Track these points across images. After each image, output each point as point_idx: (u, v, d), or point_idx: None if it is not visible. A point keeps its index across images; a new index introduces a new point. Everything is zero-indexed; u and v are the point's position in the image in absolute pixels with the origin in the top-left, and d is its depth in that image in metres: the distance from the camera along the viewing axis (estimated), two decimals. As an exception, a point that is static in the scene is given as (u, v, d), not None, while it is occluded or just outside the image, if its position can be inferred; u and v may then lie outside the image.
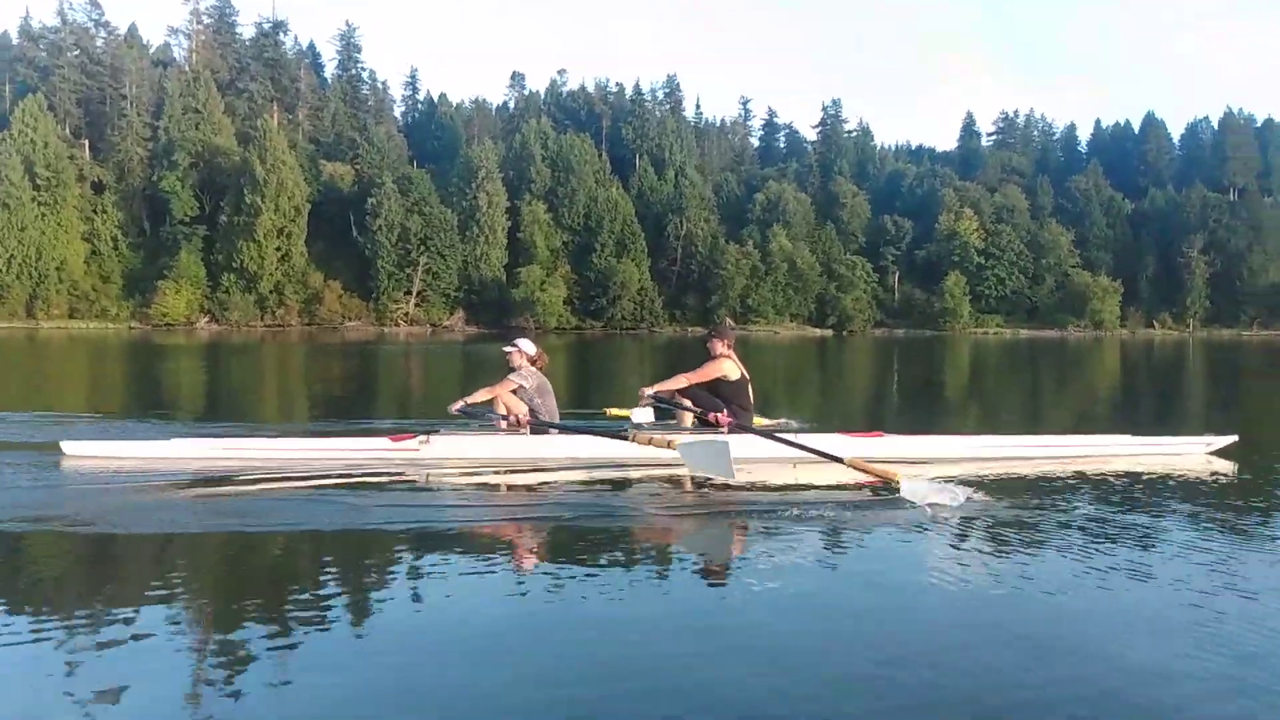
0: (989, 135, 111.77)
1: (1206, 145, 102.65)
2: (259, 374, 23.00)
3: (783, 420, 8.07)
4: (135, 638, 3.37)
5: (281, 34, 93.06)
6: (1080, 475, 6.75)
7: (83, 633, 3.44)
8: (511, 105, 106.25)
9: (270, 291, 76.31)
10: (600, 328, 79.03)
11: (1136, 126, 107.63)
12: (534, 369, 7.78)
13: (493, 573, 4.33)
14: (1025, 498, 5.95)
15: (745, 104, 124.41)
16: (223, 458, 7.06)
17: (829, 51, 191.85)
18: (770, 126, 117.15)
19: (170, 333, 62.08)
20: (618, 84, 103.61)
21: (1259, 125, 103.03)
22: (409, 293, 79.21)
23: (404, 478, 6.55)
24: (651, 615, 3.72)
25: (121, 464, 6.83)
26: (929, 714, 2.81)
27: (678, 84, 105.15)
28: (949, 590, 4.06)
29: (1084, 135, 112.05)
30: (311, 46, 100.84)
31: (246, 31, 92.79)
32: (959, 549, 4.83)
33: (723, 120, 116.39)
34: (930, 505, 5.46)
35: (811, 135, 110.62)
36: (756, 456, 6.86)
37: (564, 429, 7.42)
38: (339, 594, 4.00)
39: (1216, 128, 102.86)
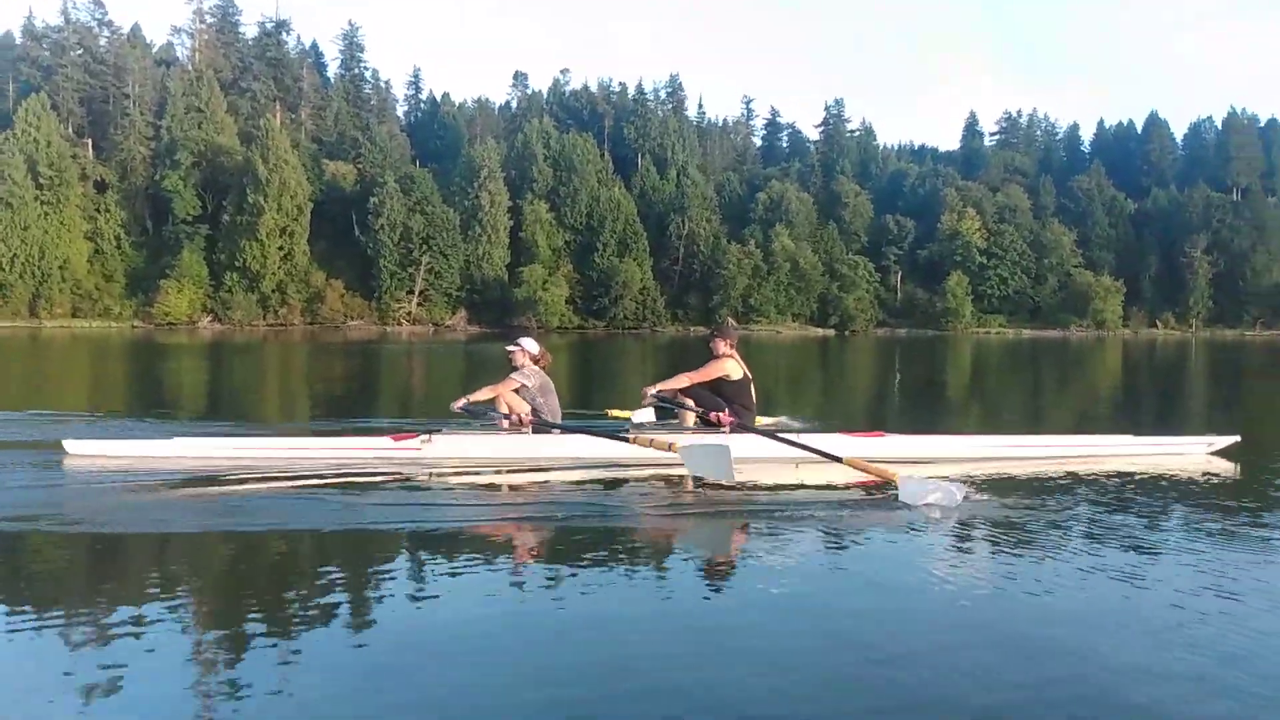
0: (991, 135, 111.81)
1: (1210, 145, 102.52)
2: (261, 373, 23.02)
3: (781, 419, 8.07)
4: (136, 636, 3.38)
5: (284, 33, 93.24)
6: (1081, 475, 6.74)
7: (84, 631, 3.45)
8: (514, 105, 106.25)
9: (273, 291, 76.35)
10: (602, 327, 79.01)
11: (1139, 126, 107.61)
12: (537, 368, 7.80)
13: (494, 572, 4.34)
14: (1026, 498, 5.94)
15: (748, 103, 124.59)
16: (225, 457, 7.07)
17: (831, 51, 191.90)
18: (773, 126, 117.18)
19: (173, 332, 62.14)
20: (620, 84, 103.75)
21: (1262, 125, 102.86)
22: (411, 292, 79.24)
23: (406, 477, 6.55)
24: (652, 615, 3.73)
25: (123, 463, 6.84)
26: (927, 714, 2.81)
27: (680, 84, 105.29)
28: (948, 590, 4.06)
29: (1087, 135, 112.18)
30: (314, 46, 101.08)
31: (249, 31, 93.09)
32: (958, 549, 4.83)
33: (725, 120, 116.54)
34: (928, 505, 5.46)
35: (814, 135, 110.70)
36: (757, 456, 6.87)
37: (565, 429, 7.43)
38: (340, 593, 4.01)
39: (1220, 127, 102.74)
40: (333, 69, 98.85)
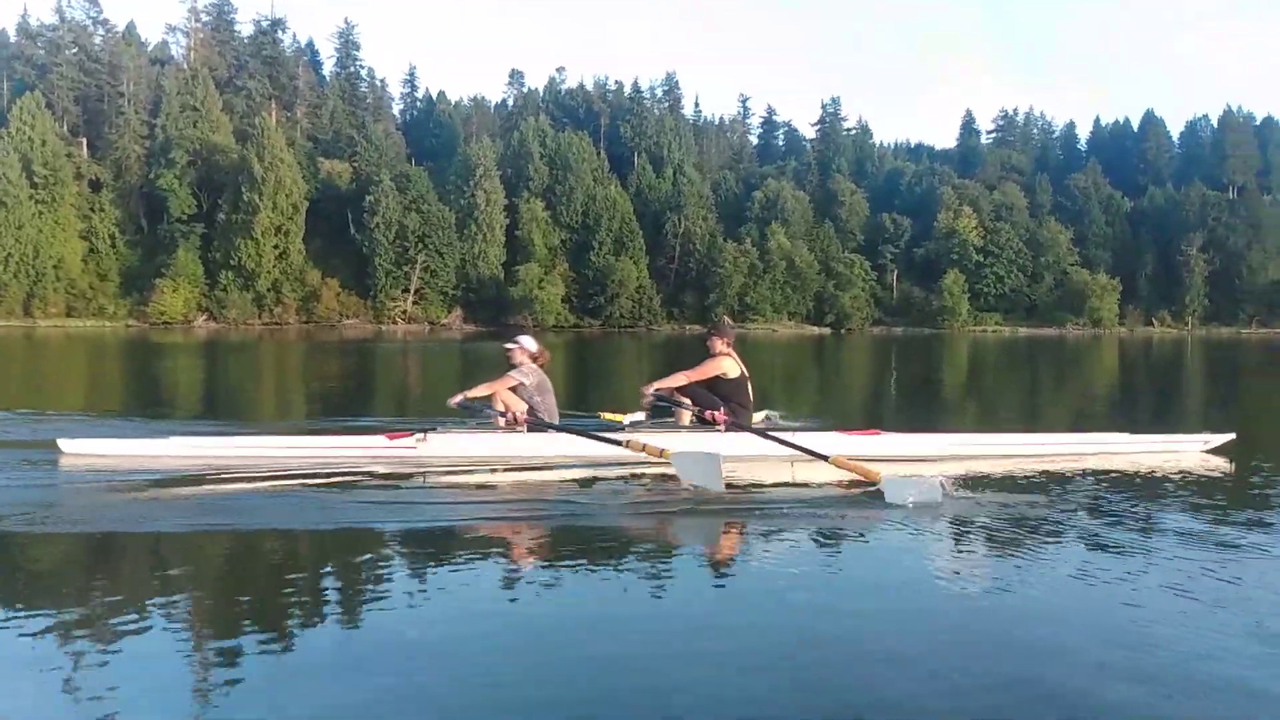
0: (988, 133, 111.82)
1: (1206, 143, 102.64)
2: (256, 372, 22.99)
3: (766, 413, 8.05)
4: (132, 635, 3.37)
5: (280, 32, 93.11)
6: (1077, 473, 6.75)
7: (79, 631, 3.44)
8: (510, 103, 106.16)
9: (268, 289, 76.22)
10: (598, 326, 78.99)
11: (1136, 125, 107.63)
12: (535, 366, 7.79)
13: (487, 571, 4.33)
14: (1021, 496, 5.95)
15: (744, 102, 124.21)
16: (220, 456, 7.06)
17: (828, 50, 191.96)
18: (769, 125, 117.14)
19: (168, 331, 62.02)
20: (616, 82, 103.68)
21: (1258, 124, 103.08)
22: (407, 290, 79.16)
23: (401, 476, 6.55)
24: (647, 614, 3.72)
25: (118, 462, 6.83)
26: (926, 713, 2.81)
27: (676, 82, 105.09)
28: (943, 589, 4.06)
29: (1083, 133, 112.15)
30: (310, 44, 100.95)
31: (245, 29, 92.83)
32: (953, 547, 4.84)
33: (721, 118, 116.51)
34: (911, 503, 5.47)
35: (810, 133, 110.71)
36: (750, 454, 6.88)
37: (560, 430, 7.42)
38: (336, 592, 4.00)
39: (1216, 126, 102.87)
40: (328, 67, 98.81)
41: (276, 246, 75.93)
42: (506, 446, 7.26)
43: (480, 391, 7.55)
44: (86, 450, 7.04)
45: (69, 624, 3.52)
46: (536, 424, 7.38)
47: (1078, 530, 5.07)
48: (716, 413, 7.26)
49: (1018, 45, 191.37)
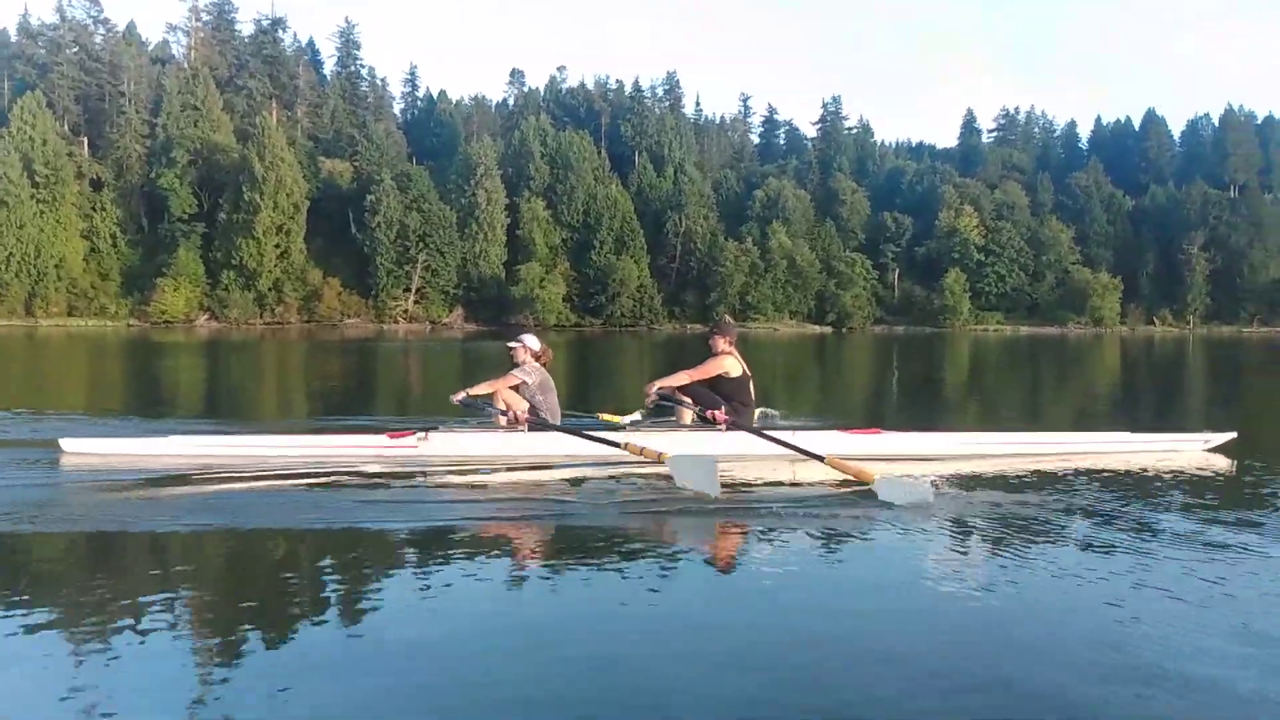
0: (989, 132, 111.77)
1: (1207, 142, 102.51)
2: (258, 371, 22.99)
3: (763, 411, 8.04)
4: (132, 635, 3.37)
5: (280, 31, 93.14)
6: (1078, 472, 6.75)
7: (80, 630, 3.44)
8: (511, 102, 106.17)
9: (269, 289, 76.27)
10: (599, 325, 78.97)
11: (1137, 123, 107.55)
12: (537, 365, 7.79)
13: (489, 571, 4.33)
14: (1022, 494, 5.95)
15: (745, 101, 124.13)
16: (221, 455, 7.06)
17: (829, 49, 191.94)
18: (770, 123, 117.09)
19: (169, 330, 62.04)
20: (617, 81, 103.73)
21: (1259, 122, 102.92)
22: (408, 290, 79.19)
23: (402, 475, 6.55)
24: (646, 614, 3.72)
25: (120, 461, 6.83)
26: (922, 713, 2.81)
27: (677, 81, 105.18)
28: (942, 589, 4.05)
29: (1085, 132, 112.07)
30: (311, 43, 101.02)
31: (245, 28, 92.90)
32: (951, 547, 4.83)
33: (722, 117, 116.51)
34: (904, 504, 5.46)
35: (811, 132, 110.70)
36: (749, 454, 6.87)
37: (561, 430, 7.41)
38: (337, 591, 4.00)
39: (1217, 125, 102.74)
40: (329, 66, 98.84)
41: (278, 246, 75.97)
42: (508, 446, 7.26)
43: (482, 389, 7.55)
44: (88, 449, 7.04)
45: (70, 623, 3.52)
46: (538, 423, 7.37)
47: (1077, 530, 5.07)
48: (718, 412, 7.26)
49: (1018, 45, 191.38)
